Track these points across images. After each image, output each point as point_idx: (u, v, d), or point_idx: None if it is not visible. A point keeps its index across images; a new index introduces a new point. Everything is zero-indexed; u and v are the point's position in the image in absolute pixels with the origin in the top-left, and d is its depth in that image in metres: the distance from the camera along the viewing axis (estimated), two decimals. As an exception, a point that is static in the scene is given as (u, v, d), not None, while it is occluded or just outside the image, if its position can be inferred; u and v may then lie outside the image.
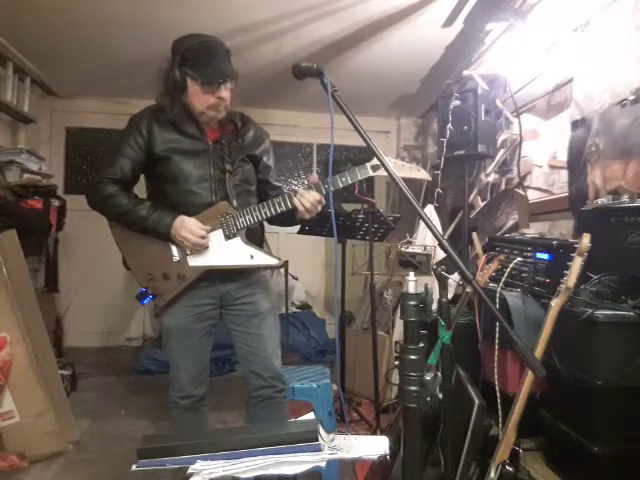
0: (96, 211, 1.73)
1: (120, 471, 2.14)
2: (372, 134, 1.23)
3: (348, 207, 2.95)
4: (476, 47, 3.28)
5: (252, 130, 1.85)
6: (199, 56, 1.63)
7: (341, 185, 1.67)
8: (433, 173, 3.22)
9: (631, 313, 1.60)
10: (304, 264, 4.64)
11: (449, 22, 3.01)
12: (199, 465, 1.03)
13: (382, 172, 1.55)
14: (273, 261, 1.73)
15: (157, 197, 1.74)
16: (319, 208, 1.70)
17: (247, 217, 1.69)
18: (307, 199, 1.66)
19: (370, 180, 4.01)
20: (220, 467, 1.02)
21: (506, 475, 1.54)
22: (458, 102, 3.04)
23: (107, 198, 1.67)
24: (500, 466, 1.55)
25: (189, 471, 1.03)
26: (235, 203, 1.72)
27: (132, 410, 3.06)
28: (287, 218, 1.76)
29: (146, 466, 1.06)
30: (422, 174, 1.77)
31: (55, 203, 3.70)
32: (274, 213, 1.70)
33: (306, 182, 1.70)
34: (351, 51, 3.47)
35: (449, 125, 3.01)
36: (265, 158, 1.88)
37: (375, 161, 1.63)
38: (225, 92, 1.67)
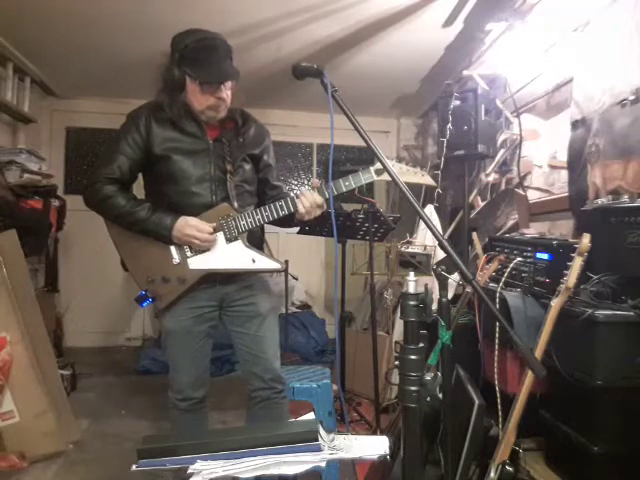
0: (94, 211, 1.70)
1: (120, 471, 2.15)
2: (372, 134, 1.23)
3: (348, 207, 2.96)
4: (476, 47, 3.28)
5: (253, 128, 1.82)
6: (198, 55, 1.58)
7: (344, 189, 1.65)
8: (433, 173, 3.21)
9: (631, 313, 1.59)
10: (304, 264, 4.64)
11: (449, 22, 3.01)
12: (199, 465, 1.03)
13: (386, 177, 1.55)
14: (275, 265, 1.71)
15: (155, 197, 1.71)
16: (318, 212, 1.68)
17: (249, 220, 1.66)
18: (307, 199, 1.64)
19: (370, 180, 4.01)
20: (220, 467, 1.02)
21: (506, 475, 1.54)
22: (458, 102, 3.04)
23: (105, 199, 1.64)
24: (500, 466, 1.55)
25: (189, 471, 1.03)
26: (236, 204, 1.69)
27: (132, 410, 3.06)
28: (286, 219, 1.73)
29: (146, 466, 1.06)
30: (427, 179, 1.74)
31: (55, 203, 3.70)
32: (276, 216, 1.67)
33: (307, 186, 1.70)
34: (351, 51, 3.47)
35: (449, 125, 3.01)
36: (265, 157, 1.85)
37: (379, 165, 1.60)
38: (225, 92, 1.63)
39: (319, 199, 1.65)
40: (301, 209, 1.65)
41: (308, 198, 1.65)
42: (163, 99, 1.65)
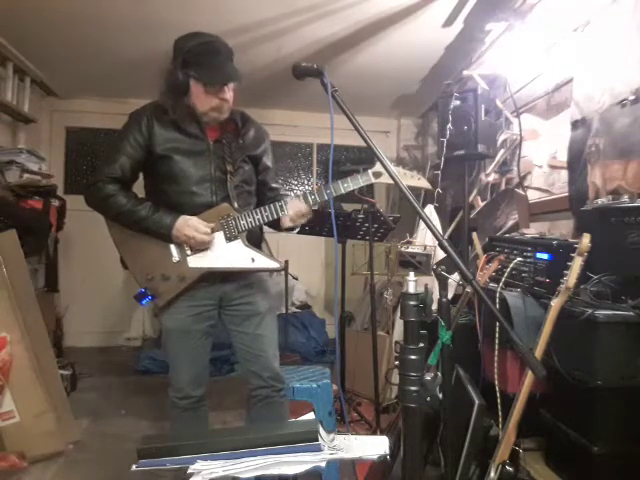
0: (95, 210, 1.71)
1: (120, 471, 2.14)
2: (372, 134, 1.23)
3: (348, 207, 2.96)
4: (476, 47, 3.28)
5: (252, 129, 1.84)
6: (202, 57, 1.61)
7: (343, 191, 1.66)
8: (433, 173, 3.22)
9: (631, 313, 1.59)
10: (304, 264, 4.64)
11: (449, 22, 3.01)
12: (199, 465, 1.03)
13: (383, 179, 1.60)
14: (274, 264, 1.72)
15: (156, 196, 1.72)
16: (303, 220, 1.72)
17: (249, 220, 1.69)
18: (291, 208, 1.67)
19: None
20: (220, 467, 1.02)
21: (506, 475, 1.54)
22: (458, 102, 3.03)
23: (106, 198, 1.66)
24: (500, 466, 1.55)
25: (189, 471, 1.03)
26: (236, 204, 1.71)
27: (132, 410, 3.05)
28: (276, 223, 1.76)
29: (146, 466, 1.06)
30: (423, 183, 1.78)
31: (55, 203, 3.69)
32: (276, 217, 1.70)
33: (308, 186, 1.74)
34: (351, 51, 3.47)
35: (449, 125, 3.01)
36: (265, 158, 1.88)
37: (377, 168, 1.63)
38: (228, 93, 1.66)
39: (304, 208, 1.68)
40: (286, 222, 1.70)
41: (292, 207, 1.67)
42: (166, 102, 1.67)
